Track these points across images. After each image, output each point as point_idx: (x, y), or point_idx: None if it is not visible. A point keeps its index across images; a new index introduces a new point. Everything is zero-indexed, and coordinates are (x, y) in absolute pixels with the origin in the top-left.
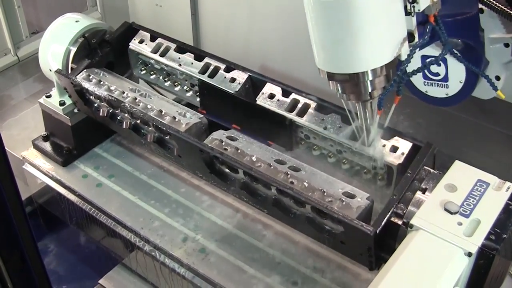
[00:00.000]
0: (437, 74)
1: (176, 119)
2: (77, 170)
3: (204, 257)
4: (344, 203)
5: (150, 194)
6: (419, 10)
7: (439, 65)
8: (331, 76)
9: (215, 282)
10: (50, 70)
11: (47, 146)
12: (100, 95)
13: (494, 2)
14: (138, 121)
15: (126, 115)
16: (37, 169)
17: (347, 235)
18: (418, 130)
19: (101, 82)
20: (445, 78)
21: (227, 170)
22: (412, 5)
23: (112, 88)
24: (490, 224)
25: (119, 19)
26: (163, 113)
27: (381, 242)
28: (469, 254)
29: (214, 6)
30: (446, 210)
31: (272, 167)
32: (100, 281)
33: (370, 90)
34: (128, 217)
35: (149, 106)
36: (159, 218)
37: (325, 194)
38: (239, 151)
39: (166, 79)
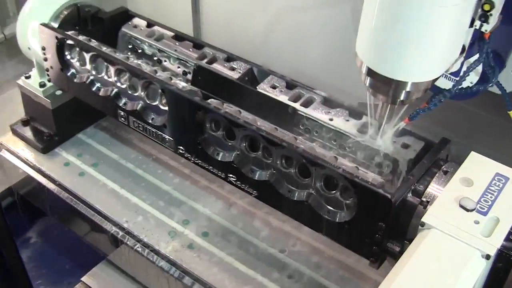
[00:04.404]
0: None
1: (172, 81)
2: (59, 158)
3: (194, 253)
4: (359, 171)
5: (136, 184)
6: (486, 30)
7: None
8: (370, 73)
9: (204, 280)
10: (29, 49)
11: (26, 131)
12: (89, 48)
13: None
14: (123, 86)
15: (109, 79)
16: (16, 156)
17: (360, 207)
18: (430, 124)
19: (91, 42)
20: (456, 74)
21: (220, 137)
22: (482, 23)
23: (104, 48)
24: (510, 223)
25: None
26: (157, 74)
27: (394, 223)
28: (487, 257)
29: None
30: (461, 206)
31: (278, 131)
32: (82, 279)
33: (403, 99)
34: (112, 209)
35: (143, 68)
36: (146, 210)
37: (338, 161)
38: (241, 114)
39: (154, 67)
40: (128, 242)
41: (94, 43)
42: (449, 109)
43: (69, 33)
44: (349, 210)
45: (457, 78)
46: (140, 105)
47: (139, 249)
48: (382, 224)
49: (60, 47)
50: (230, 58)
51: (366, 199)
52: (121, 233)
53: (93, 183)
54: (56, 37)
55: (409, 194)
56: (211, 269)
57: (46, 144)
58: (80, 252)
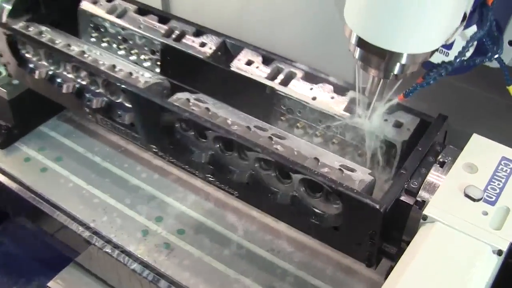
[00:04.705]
0: None
1: (133, 76)
2: (19, 153)
3: (169, 253)
4: (344, 174)
5: (103, 179)
6: None
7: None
8: (361, 43)
9: (181, 283)
10: None
11: None
12: (39, 45)
13: None
14: (84, 82)
15: (69, 75)
16: None
17: (347, 215)
18: (418, 103)
19: (42, 34)
20: (449, 47)
21: (192, 137)
22: None
23: (57, 41)
24: None
25: None
26: (116, 69)
27: (387, 227)
28: (499, 252)
29: None
30: (467, 196)
31: (251, 131)
32: (49, 284)
33: (397, 73)
34: (78, 207)
35: (100, 62)
36: (115, 207)
37: (319, 163)
38: (210, 112)
39: (120, 46)
40: (96, 243)
41: (46, 35)
42: (438, 87)
43: (17, 26)
44: (337, 215)
45: (449, 51)
46: (104, 102)
47: (109, 251)
48: (373, 232)
49: (13, 42)
50: (199, 32)
51: (353, 208)
52: (88, 233)
53: (57, 180)
54: (5, 33)
55: (403, 194)
56: (188, 271)
57: (4, 138)
58: (46, 255)
